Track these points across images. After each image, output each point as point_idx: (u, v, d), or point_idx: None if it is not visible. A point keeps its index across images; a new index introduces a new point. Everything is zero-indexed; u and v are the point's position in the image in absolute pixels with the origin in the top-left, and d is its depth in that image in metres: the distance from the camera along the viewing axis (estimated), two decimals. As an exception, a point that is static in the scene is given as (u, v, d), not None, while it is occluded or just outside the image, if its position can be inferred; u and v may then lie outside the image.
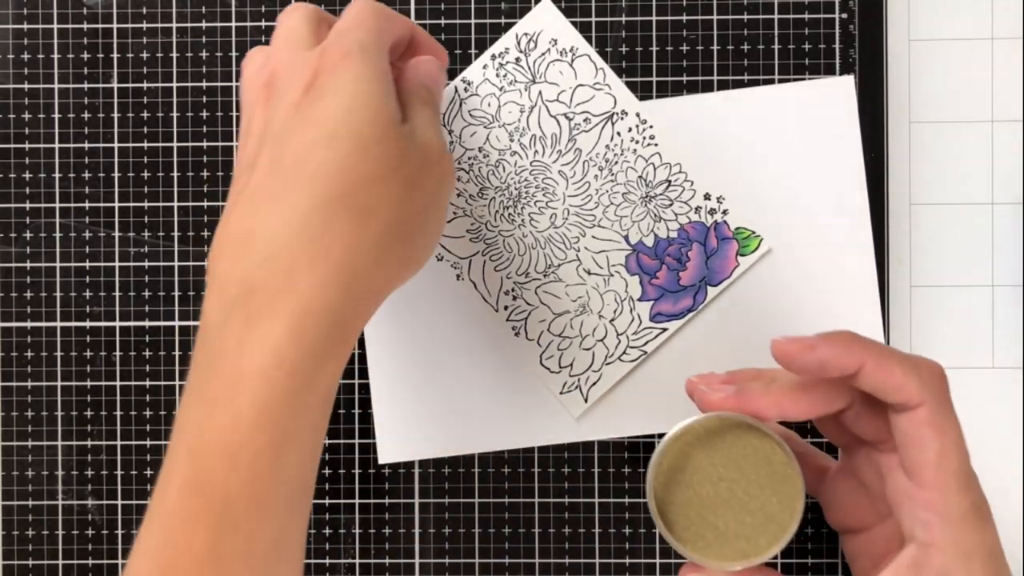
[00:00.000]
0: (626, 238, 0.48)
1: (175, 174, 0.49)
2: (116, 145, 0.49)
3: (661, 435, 0.41)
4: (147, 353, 0.49)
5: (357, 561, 0.49)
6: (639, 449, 0.49)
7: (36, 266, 0.49)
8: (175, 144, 0.49)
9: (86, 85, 0.49)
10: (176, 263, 0.49)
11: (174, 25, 0.49)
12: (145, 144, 0.49)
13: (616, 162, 0.48)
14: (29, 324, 0.49)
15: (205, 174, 0.49)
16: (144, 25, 0.49)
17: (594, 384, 0.48)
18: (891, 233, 0.48)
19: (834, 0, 0.48)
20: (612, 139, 0.48)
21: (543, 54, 0.48)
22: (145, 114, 0.49)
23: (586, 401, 0.48)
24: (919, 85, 0.49)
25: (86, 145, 0.49)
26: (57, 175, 0.49)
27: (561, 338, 0.48)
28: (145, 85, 0.49)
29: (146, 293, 0.49)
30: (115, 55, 0.49)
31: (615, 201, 0.48)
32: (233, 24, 0.49)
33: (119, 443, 0.49)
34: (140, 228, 0.49)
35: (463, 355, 0.48)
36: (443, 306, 0.48)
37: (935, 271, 0.49)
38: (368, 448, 0.49)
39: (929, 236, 0.49)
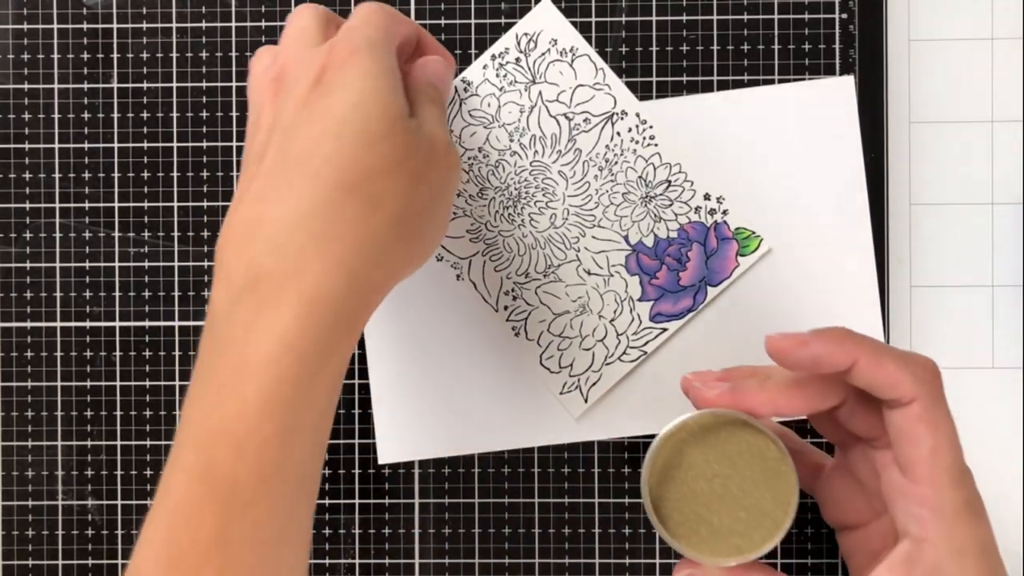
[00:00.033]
0: (626, 238, 0.48)
1: (175, 174, 0.49)
2: (116, 145, 0.49)
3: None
4: (147, 353, 0.49)
5: (357, 561, 0.49)
6: (639, 449, 0.49)
7: (36, 266, 0.49)
8: (175, 144, 0.49)
9: (86, 85, 0.49)
10: (176, 263, 0.49)
11: (174, 25, 0.49)
12: (145, 144, 0.49)
13: (616, 162, 0.48)
14: (29, 324, 0.49)
15: (205, 174, 0.49)
16: (144, 25, 0.49)
17: (594, 384, 0.48)
18: (891, 233, 0.48)
19: (834, 0, 0.48)
20: (612, 139, 0.48)
21: (543, 54, 0.48)
22: (145, 114, 0.49)
23: (586, 401, 0.48)
24: (919, 85, 0.49)
25: (86, 145, 0.49)
26: (57, 175, 0.49)
27: (561, 338, 0.48)
28: (145, 85, 0.49)
29: (146, 293, 0.49)
30: (115, 55, 0.49)
31: (615, 201, 0.48)
32: (233, 24, 0.49)
33: (119, 443, 0.49)
34: (140, 228, 0.49)
35: (463, 355, 0.48)
36: (443, 306, 0.48)
37: (935, 271, 0.49)
38: (368, 448, 0.49)
39: (929, 236, 0.49)
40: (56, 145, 0.49)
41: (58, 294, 0.49)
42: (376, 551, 0.49)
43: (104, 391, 0.49)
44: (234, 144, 0.49)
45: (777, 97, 0.48)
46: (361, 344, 0.49)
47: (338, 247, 0.36)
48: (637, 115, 0.48)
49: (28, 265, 0.49)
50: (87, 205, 0.49)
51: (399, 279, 0.39)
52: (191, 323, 0.49)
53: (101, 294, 0.49)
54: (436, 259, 0.48)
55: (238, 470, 0.34)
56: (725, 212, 0.48)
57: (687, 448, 0.40)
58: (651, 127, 0.48)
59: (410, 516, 0.49)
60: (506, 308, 0.48)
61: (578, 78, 0.48)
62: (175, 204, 0.49)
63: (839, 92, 0.48)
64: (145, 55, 0.49)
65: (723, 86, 0.48)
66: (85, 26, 0.49)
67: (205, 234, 0.49)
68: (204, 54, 0.49)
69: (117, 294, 0.49)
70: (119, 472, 0.49)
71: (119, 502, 0.49)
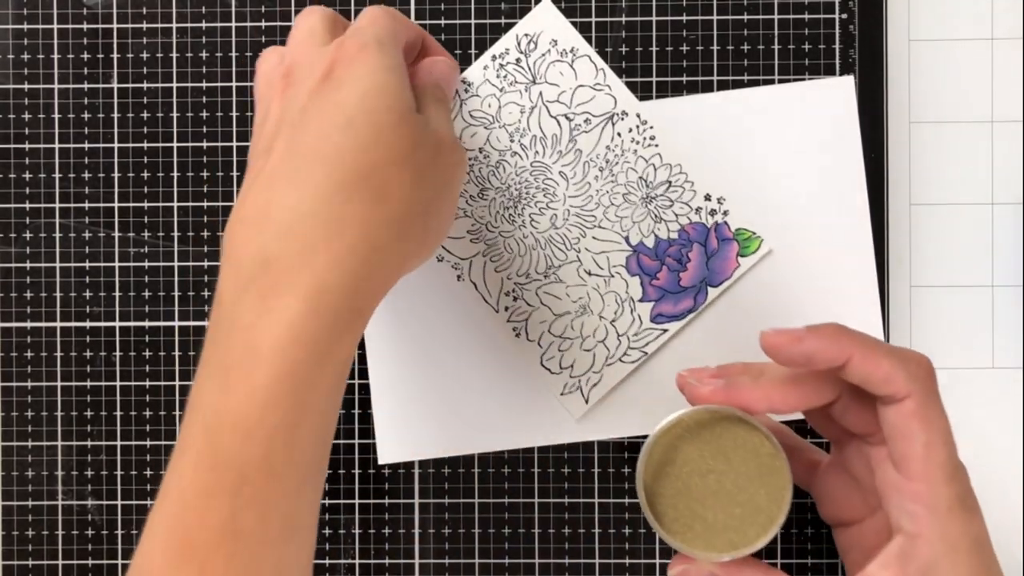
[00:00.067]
0: (627, 239, 0.48)
1: (175, 174, 0.49)
2: (116, 145, 0.49)
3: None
4: (147, 353, 0.49)
5: (357, 561, 0.49)
6: (639, 449, 0.49)
7: (36, 266, 0.49)
8: (175, 144, 0.49)
9: (86, 85, 0.49)
10: (176, 263, 0.49)
11: (174, 25, 0.49)
12: (145, 144, 0.49)
13: (616, 163, 0.48)
14: (29, 324, 0.49)
15: (205, 174, 0.49)
16: (144, 25, 0.49)
17: (595, 385, 0.48)
18: (891, 233, 0.49)
19: (834, 0, 0.48)
20: (612, 140, 0.48)
21: (543, 55, 0.48)
22: (145, 114, 0.49)
23: (587, 402, 0.48)
24: (919, 85, 0.49)
25: (86, 145, 0.49)
26: (57, 175, 0.49)
27: (562, 339, 0.48)
28: (145, 85, 0.49)
29: (146, 293, 0.49)
30: (115, 55, 0.49)
31: (615, 202, 0.48)
32: (233, 24, 0.49)
33: (119, 443, 0.49)
34: (140, 228, 0.49)
35: (464, 356, 0.48)
36: (444, 307, 0.48)
37: (935, 271, 0.49)
38: (368, 448, 0.49)
39: (929, 236, 0.49)
40: (56, 145, 0.49)
41: (58, 294, 0.49)
42: (376, 551, 0.49)
43: (104, 391, 0.49)
44: (234, 144, 0.49)
45: (777, 97, 0.48)
46: (361, 345, 0.49)
47: (346, 236, 0.36)
48: (638, 115, 0.48)
49: (28, 265, 0.49)
50: (87, 205, 0.49)
51: (405, 271, 0.39)
52: (191, 323, 0.49)
53: (101, 294, 0.49)
54: (437, 260, 0.48)
55: (247, 457, 0.34)
56: (726, 213, 0.48)
57: (682, 444, 0.40)
58: (652, 127, 0.48)
59: (410, 516, 0.49)
60: (507, 309, 0.48)
61: (578, 79, 0.48)
62: (175, 204, 0.49)
63: (839, 92, 0.48)
64: (145, 55, 0.49)
65: (723, 86, 0.48)
66: (85, 26, 0.49)
67: (205, 234, 0.49)
68: (204, 54, 0.49)
69: (117, 294, 0.49)
70: (119, 472, 0.49)
71: (119, 502, 0.49)
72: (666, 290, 0.48)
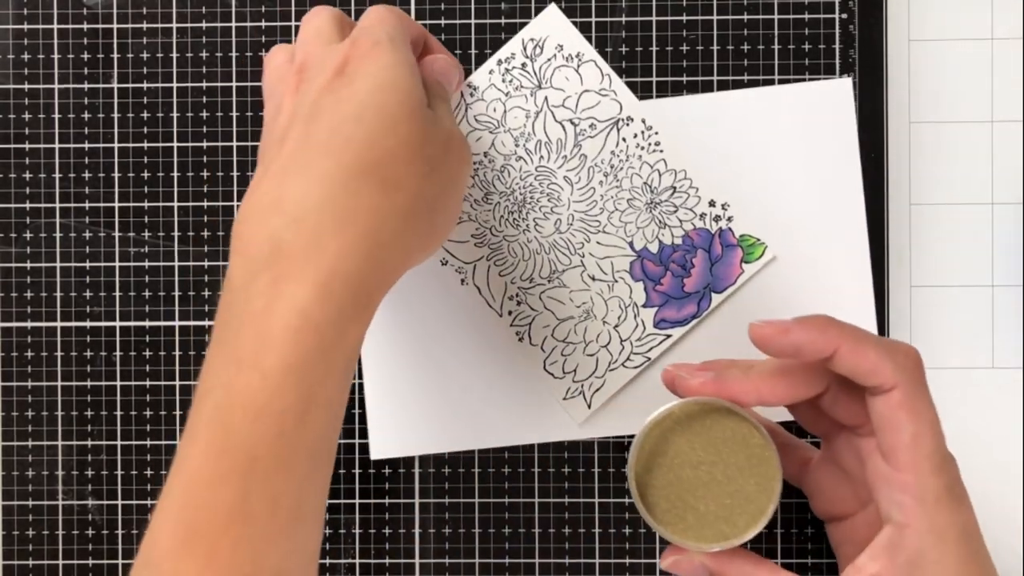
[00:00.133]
0: (631, 244, 0.48)
1: (175, 174, 0.49)
2: (116, 145, 0.49)
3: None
4: (147, 353, 0.49)
5: (357, 561, 0.49)
6: (639, 449, 0.49)
7: (36, 266, 0.49)
8: (175, 144, 0.49)
9: (86, 85, 0.49)
10: (176, 263, 0.49)
11: (174, 25, 0.49)
12: (145, 144, 0.49)
13: (621, 168, 0.48)
14: (29, 324, 0.49)
15: (205, 174, 0.49)
16: (144, 25, 0.49)
17: (598, 390, 0.48)
18: (891, 233, 0.49)
19: (834, 0, 0.48)
20: (617, 145, 0.48)
21: (549, 59, 0.48)
22: (145, 114, 0.49)
23: (589, 407, 0.48)
24: (919, 85, 0.49)
25: (86, 145, 0.49)
26: (57, 175, 0.49)
27: (565, 344, 0.48)
28: (145, 85, 0.49)
29: (146, 293, 0.49)
30: (115, 55, 0.49)
31: (620, 207, 0.48)
32: (233, 24, 0.49)
33: (119, 443, 0.49)
34: (140, 228, 0.49)
35: (466, 359, 0.48)
36: (447, 310, 0.48)
37: (935, 271, 0.49)
38: (369, 448, 0.49)
39: (929, 236, 0.49)
40: (56, 145, 0.49)
41: (58, 294, 0.49)
42: (376, 551, 0.49)
43: (104, 391, 0.49)
44: (234, 144, 0.49)
45: (775, 99, 0.48)
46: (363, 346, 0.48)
47: (357, 224, 0.36)
48: (643, 121, 0.48)
49: (28, 265, 0.49)
50: (87, 205, 0.49)
51: (413, 263, 0.40)
52: (191, 323, 0.49)
53: (101, 294, 0.49)
54: (441, 263, 0.48)
55: (257, 442, 0.34)
56: (730, 219, 0.48)
57: (672, 436, 0.41)
58: (656, 133, 0.48)
59: (410, 516, 0.49)
60: (510, 313, 0.48)
61: (584, 83, 0.48)
62: (175, 204, 0.49)
63: (837, 94, 0.48)
64: (145, 55, 0.49)
65: (723, 86, 0.48)
66: (85, 26, 0.49)
67: (205, 234, 0.49)
68: (204, 54, 0.49)
69: (117, 294, 0.49)
70: (119, 472, 0.49)
71: (119, 502, 0.49)
72: (670, 295, 0.48)
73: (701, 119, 0.48)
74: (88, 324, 0.49)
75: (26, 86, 0.49)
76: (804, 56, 0.48)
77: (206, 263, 0.49)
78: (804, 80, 0.48)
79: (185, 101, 0.49)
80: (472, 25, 0.49)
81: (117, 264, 0.49)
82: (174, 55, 0.49)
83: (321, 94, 0.38)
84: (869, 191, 0.48)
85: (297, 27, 0.48)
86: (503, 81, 0.48)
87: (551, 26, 0.48)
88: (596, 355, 0.48)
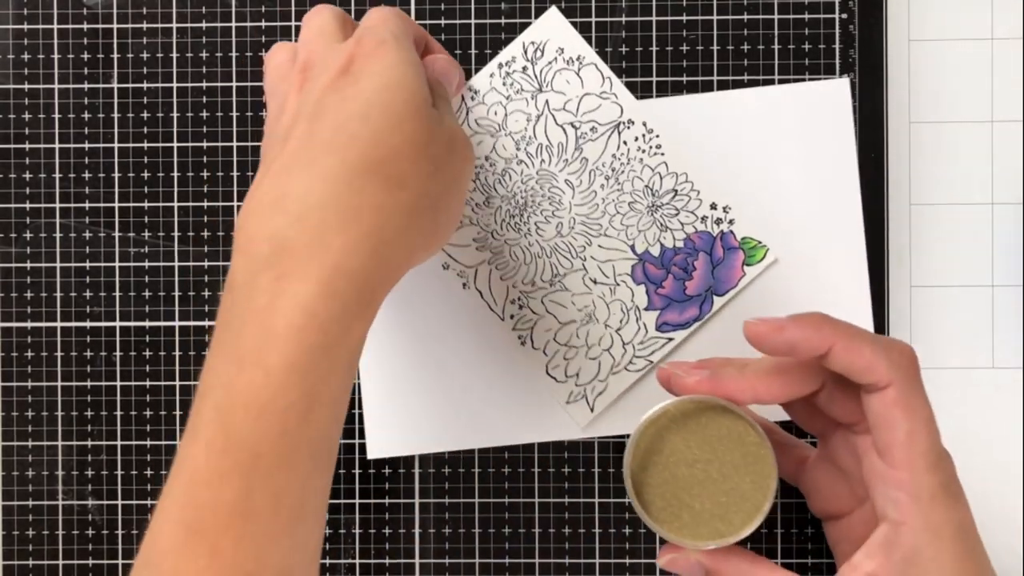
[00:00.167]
0: (632, 247, 0.48)
1: (175, 174, 0.49)
2: (116, 145, 0.49)
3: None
4: (147, 353, 0.49)
5: (357, 561, 0.49)
6: (639, 449, 0.49)
7: (36, 266, 0.49)
8: (175, 144, 0.49)
9: (86, 85, 0.49)
10: (176, 263, 0.49)
11: (174, 25, 0.49)
12: (145, 144, 0.49)
13: (622, 171, 0.48)
14: (29, 324, 0.49)
15: (205, 174, 0.49)
16: (144, 25, 0.49)
17: (600, 394, 0.48)
18: (891, 233, 0.49)
19: (834, 0, 0.48)
20: (619, 148, 0.48)
21: (550, 63, 0.48)
22: (145, 114, 0.49)
23: (592, 411, 0.48)
24: (919, 85, 0.49)
25: (86, 145, 0.49)
26: (57, 175, 0.49)
27: (567, 347, 0.48)
28: (145, 85, 0.49)
29: (146, 293, 0.49)
30: (115, 55, 0.49)
31: (621, 210, 0.48)
32: (233, 24, 0.49)
33: (119, 443, 0.49)
34: (140, 228, 0.49)
35: (468, 363, 0.48)
36: (449, 314, 0.48)
37: (935, 271, 0.49)
38: (366, 448, 0.49)
39: (929, 236, 0.49)
40: (56, 145, 0.49)
41: (58, 294, 0.49)
42: (376, 551, 0.49)
43: (104, 391, 0.49)
44: (234, 144, 0.49)
45: (774, 99, 0.48)
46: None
47: (361, 221, 0.36)
48: (644, 124, 0.48)
49: (28, 265, 0.49)
50: (87, 205, 0.49)
51: (416, 262, 0.40)
52: (191, 323, 0.49)
53: (101, 294, 0.49)
54: (442, 267, 0.48)
55: (260, 439, 0.34)
56: (731, 222, 0.48)
57: (668, 434, 0.41)
58: (657, 136, 0.48)
59: (410, 516, 0.49)
60: (512, 317, 0.48)
61: (585, 87, 0.48)
62: (175, 204, 0.49)
63: (835, 94, 0.48)
64: (145, 55, 0.49)
65: (723, 86, 0.48)
66: (85, 26, 0.49)
67: (205, 234, 0.49)
68: (204, 54, 0.49)
69: (117, 294, 0.49)
70: (119, 472, 0.49)
71: (119, 502, 0.49)
72: (671, 299, 0.48)
73: (701, 119, 0.48)
74: (88, 324, 0.49)
75: (26, 86, 0.49)
76: (804, 56, 0.48)
77: (206, 263, 0.49)
78: (804, 80, 0.48)
79: (185, 101, 0.49)
80: (472, 25, 0.49)
81: (117, 264, 0.49)
82: (174, 55, 0.49)
83: (325, 92, 0.38)
84: (869, 191, 0.48)
85: (297, 27, 0.49)
86: (504, 84, 0.48)
87: (552, 29, 0.48)
88: (598, 359, 0.48)
